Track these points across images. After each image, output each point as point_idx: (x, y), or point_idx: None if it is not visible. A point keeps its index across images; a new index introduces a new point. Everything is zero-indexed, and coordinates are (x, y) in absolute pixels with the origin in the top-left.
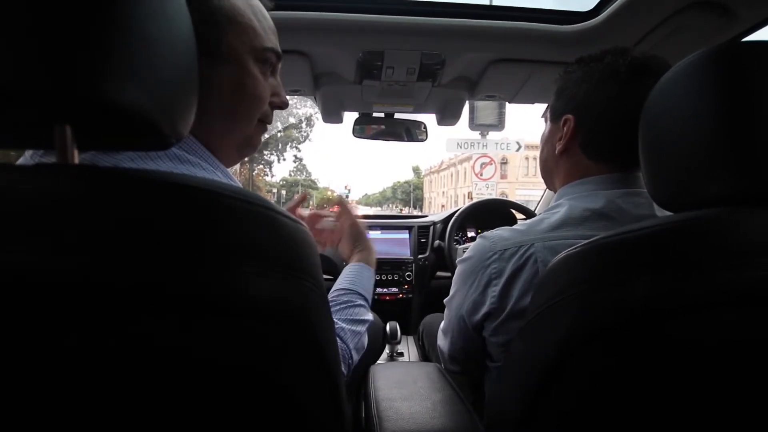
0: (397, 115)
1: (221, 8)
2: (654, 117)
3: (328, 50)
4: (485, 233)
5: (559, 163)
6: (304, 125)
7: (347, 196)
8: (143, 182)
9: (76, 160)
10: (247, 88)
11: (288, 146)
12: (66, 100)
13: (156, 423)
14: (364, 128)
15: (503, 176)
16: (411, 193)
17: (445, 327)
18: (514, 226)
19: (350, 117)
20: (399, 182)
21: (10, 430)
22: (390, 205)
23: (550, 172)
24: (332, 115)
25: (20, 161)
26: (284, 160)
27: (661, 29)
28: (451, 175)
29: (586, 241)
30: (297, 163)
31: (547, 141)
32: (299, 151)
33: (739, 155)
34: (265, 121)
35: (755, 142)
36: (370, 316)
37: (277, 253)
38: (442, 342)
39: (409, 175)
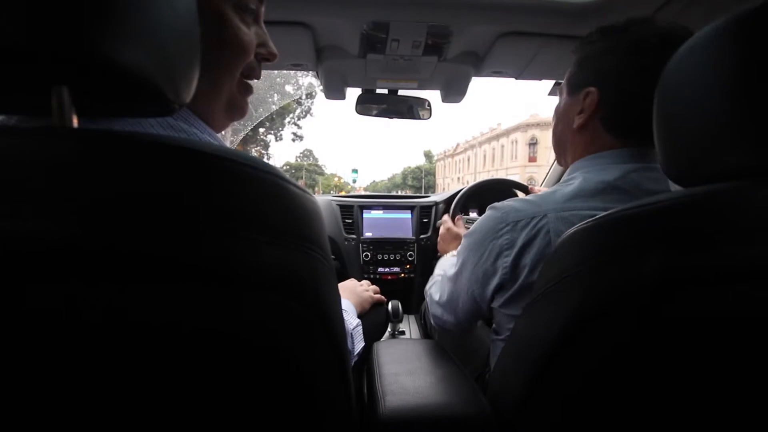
0: (400, 92)
1: None
2: (671, 88)
3: (331, 21)
4: (495, 204)
5: (576, 137)
6: (303, 97)
7: (354, 182)
8: (146, 145)
9: (75, 125)
10: (226, 39)
11: (286, 120)
12: (60, 59)
13: (157, 396)
14: (367, 105)
15: (531, 159)
16: (422, 179)
17: (449, 300)
18: (526, 197)
19: (353, 94)
20: (409, 167)
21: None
22: (399, 192)
23: (563, 147)
24: (335, 91)
25: None
26: (281, 139)
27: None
28: (468, 159)
29: (597, 215)
30: (297, 141)
31: (564, 114)
32: (299, 128)
33: (757, 126)
34: (251, 76)
35: None
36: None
37: (287, 222)
38: (440, 312)
39: (421, 160)
